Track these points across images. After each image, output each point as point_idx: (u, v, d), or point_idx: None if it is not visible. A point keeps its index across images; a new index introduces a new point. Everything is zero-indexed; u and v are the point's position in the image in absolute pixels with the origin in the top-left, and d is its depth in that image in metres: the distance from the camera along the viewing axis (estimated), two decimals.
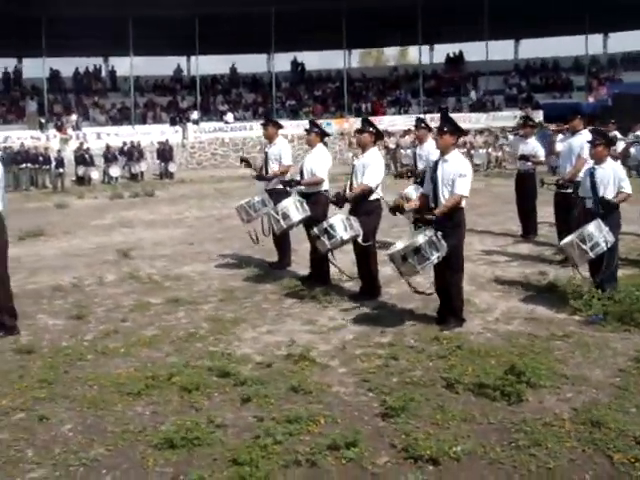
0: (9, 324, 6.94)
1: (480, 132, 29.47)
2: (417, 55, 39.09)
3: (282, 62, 38.18)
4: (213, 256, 11.16)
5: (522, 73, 38.90)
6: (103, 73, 39.43)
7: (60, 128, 31.23)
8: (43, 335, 6.93)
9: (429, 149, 11.12)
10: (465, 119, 32.61)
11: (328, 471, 4.05)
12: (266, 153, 9.89)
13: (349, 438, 4.29)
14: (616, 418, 4.47)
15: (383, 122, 33.10)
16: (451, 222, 6.69)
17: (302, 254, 9.78)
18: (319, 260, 8.82)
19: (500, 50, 36.88)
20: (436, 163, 6.93)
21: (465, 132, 8.18)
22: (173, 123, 33.61)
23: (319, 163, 8.82)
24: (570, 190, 9.36)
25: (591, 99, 32.95)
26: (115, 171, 28.48)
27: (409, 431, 4.47)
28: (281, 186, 9.64)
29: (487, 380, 5.16)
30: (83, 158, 28.27)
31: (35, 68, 36.45)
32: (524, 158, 11.86)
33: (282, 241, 9.87)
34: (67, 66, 39.94)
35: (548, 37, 41.53)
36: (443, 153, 6.87)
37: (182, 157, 32.23)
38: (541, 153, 12.04)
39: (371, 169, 7.81)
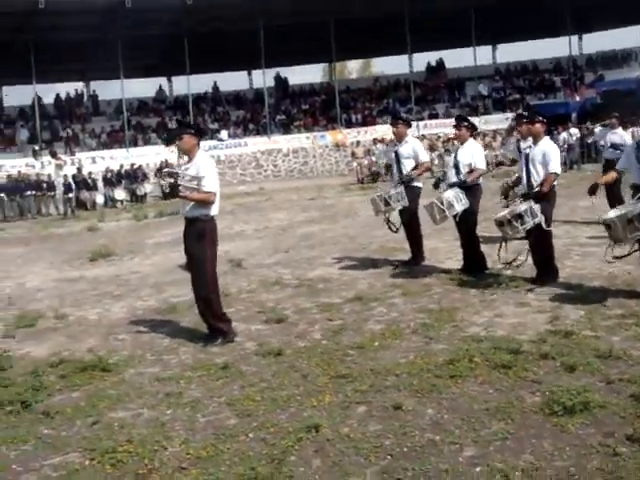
0: (226, 329, 6.85)
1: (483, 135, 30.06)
2: (381, 67, 39.65)
3: (262, 78, 38.04)
4: (327, 260, 11.12)
5: (504, 77, 39.85)
6: (85, 98, 38.82)
7: (54, 154, 30.60)
8: (264, 339, 6.81)
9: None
10: None
11: None
12: (396, 152, 9.93)
13: None
14: None
15: (377, 132, 33.51)
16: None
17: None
18: (475, 249, 9.01)
19: (477, 56, 37.59)
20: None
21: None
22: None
23: (477, 156, 8.99)
24: None
25: (577, 98, 33.92)
26: (120, 194, 28.23)
27: None
28: (417, 183, 9.79)
29: None
30: (85, 183, 27.90)
31: (18, 95, 35.72)
32: (614, 147, 12.30)
33: (418, 237, 9.99)
34: (46, 92, 39.23)
35: (524, 41, 42.68)
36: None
37: None
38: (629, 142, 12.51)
39: (554, 156, 7.99)
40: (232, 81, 47.10)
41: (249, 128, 35.76)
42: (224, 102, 38.60)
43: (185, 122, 9.76)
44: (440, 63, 41.59)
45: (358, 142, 32.37)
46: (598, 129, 12.96)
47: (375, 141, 31.58)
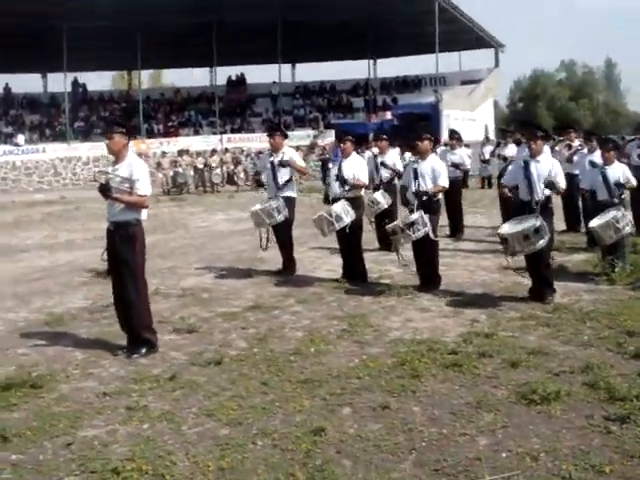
0: (153, 340, 6.63)
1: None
2: (173, 77, 39.60)
3: (58, 83, 36.18)
4: (191, 270, 11.00)
5: (304, 95, 41.23)
6: None
7: None
8: (189, 349, 6.63)
9: (392, 158, 12.17)
10: (261, 139, 33.85)
11: None
12: (272, 162, 10.08)
13: None
14: None
15: (179, 144, 33.19)
16: (547, 211, 7.82)
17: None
18: (359, 259, 9.43)
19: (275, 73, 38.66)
20: (527, 163, 7.98)
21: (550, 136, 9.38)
22: None
23: (361, 169, 9.44)
24: None
25: (374, 120, 35.96)
26: None
27: None
28: (292, 194, 10.03)
29: None
30: None
31: None
32: (454, 166, 13.40)
33: (291, 247, 10.23)
34: None
35: (324, 62, 44.44)
36: (535, 155, 7.96)
37: None
38: (467, 162, 13.77)
39: (442, 171, 8.62)
40: (22, 83, 44.02)
41: (46, 134, 33.72)
42: (17, 105, 36.09)
43: (115, 120, 9.16)
44: (241, 78, 42.10)
45: (164, 153, 31.77)
46: (439, 150, 14.06)
47: (181, 153, 31.26)
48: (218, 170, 30.75)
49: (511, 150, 14.34)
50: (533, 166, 7.95)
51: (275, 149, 10.19)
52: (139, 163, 6.48)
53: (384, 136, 11.93)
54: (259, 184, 10.65)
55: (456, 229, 13.42)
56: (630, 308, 7.37)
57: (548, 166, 7.93)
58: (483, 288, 8.87)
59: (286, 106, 38.77)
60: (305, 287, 9.24)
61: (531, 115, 55.56)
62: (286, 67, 41.84)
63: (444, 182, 8.63)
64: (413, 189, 8.66)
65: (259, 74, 51.02)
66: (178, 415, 4.98)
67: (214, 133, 35.56)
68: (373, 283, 9.38)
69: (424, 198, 8.48)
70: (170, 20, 32.59)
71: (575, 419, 4.60)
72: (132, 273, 6.41)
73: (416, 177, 8.64)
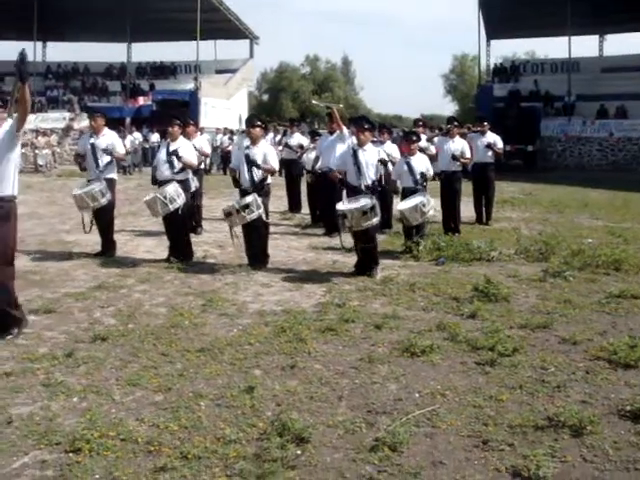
0: (22, 318, 6.58)
1: (43, 133, 29.21)
2: None
3: None
4: None
5: (57, 76, 39.12)
6: None
7: None
8: (62, 328, 6.60)
9: (201, 143, 12.65)
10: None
11: None
12: (92, 144, 10.09)
13: None
14: None
15: None
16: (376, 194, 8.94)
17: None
18: (186, 239, 9.87)
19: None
20: (355, 151, 9.00)
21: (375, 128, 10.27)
22: None
23: (189, 152, 9.85)
24: None
25: (132, 104, 35.31)
26: None
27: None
28: (113, 175, 10.19)
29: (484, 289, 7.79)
30: None
31: None
32: None
33: (111, 228, 10.36)
34: None
35: (78, 42, 42.46)
36: (362, 145, 9.00)
37: None
38: None
39: (273, 157, 9.32)
40: None
41: None
42: None
43: None
44: None
45: None
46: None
47: None
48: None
49: (297, 139, 15.48)
50: (361, 154, 8.96)
51: (96, 131, 10.19)
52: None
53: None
54: (82, 168, 10.49)
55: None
56: (445, 280, 8.67)
57: (375, 154, 9.00)
58: (308, 265, 9.74)
59: (38, 86, 36.54)
60: (137, 268, 9.40)
61: (277, 107, 58.07)
62: (37, 45, 39.43)
63: (275, 165, 9.33)
64: (246, 174, 9.23)
65: (6, 51, 46.98)
66: (102, 387, 5.13)
67: None
68: (201, 263, 9.84)
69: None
70: None
71: (455, 365, 5.60)
72: (5, 250, 6.28)
73: (248, 162, 9.20)
